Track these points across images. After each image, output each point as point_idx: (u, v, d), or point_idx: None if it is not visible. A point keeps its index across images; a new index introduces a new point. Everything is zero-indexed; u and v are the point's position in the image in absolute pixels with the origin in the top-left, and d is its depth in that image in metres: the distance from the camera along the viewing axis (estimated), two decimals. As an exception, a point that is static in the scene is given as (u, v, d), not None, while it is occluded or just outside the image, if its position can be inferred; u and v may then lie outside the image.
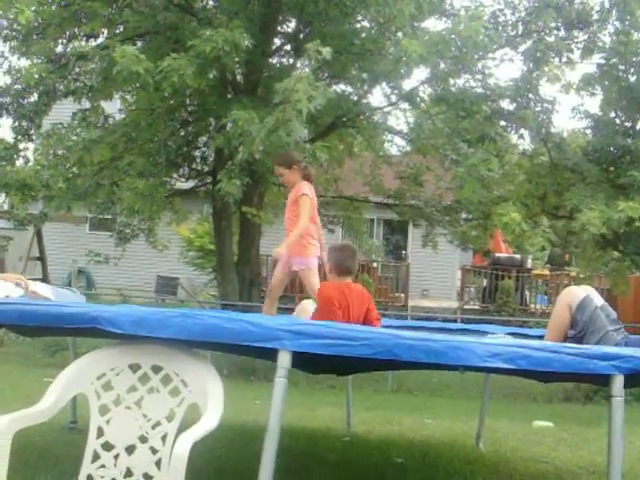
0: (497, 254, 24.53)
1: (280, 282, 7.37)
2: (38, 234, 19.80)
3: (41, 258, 20.58)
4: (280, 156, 7.63)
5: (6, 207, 19.65)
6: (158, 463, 3.82)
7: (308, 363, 5.03)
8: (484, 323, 10.59)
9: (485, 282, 24.17)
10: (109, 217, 16.63)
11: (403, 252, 27.33)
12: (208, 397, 3.84)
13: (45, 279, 20.36)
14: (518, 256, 24.49)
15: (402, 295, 24.01)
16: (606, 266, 17.14)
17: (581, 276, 18.30)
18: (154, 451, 3.91)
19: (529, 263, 27.24)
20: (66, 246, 25.03)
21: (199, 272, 23.77)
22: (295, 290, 18.19)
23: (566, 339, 5.47)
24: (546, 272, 25.53)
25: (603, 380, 4.04)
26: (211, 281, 21.07)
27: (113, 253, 16.93)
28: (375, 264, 24.46)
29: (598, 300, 5.76)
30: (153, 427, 3.96)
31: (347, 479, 5.97)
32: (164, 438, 3.89)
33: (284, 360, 3.79)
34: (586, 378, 5.22)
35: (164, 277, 25.30)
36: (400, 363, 4.52)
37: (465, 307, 23.79)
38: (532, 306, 23.42)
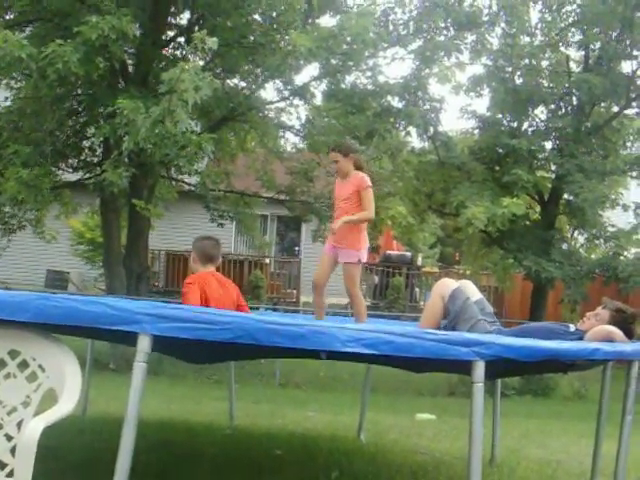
0: (388, 252, 24.84)
1: (324, 273, 6.46)
2: None
3: None
4: (338, 143, 7.26)
5: None
6: (13, 450, 3.71)
7: (174, 348, 4.98)
8: (374, 318, 10.70)
9: (376, 279, 24.41)
10: (-6, 208, 16.10)
11: (296, 248, 27.39)
12: (65, 382, 3.75)
13: None
14: (409, 254, 24.84)
15: (294, 291, 24.05)
16: (494, 264, 17.52)
17: (467, 273, 18.68)
18: (9, 438, 3.80)
19: (419, 261, 27.66)
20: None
21: (90, 266, 23.34)
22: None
23: (439, 329, 5.56)
24: (435, 270, 25.92)
25: (468, 368, 4.08)
26: (101, 275, 20.68)
27: (1, 244, 16.43)
28: (268, 260, 24.46)
29: (474, 294, 5.88)
30: (8, 413, 3.85)
31: (224, 472, 5.92)
32: (19, 424, 3.79)
33: (144, 344, 3.72)
34: (455, 367, 5.29)
35: (54, 271, 24.74)
36: (267, 349, 4.51)
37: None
38: (422, 303, 23.72)
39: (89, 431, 6.96)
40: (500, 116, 16.85)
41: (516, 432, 9.34)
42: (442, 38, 15.17)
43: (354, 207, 6.17)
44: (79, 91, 14.48)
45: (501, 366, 4.44)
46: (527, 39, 16.36)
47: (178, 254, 23.38)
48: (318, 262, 6.58)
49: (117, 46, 11.68)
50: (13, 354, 3.95)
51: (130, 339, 4.01)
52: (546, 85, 16.65)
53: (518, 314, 19.47)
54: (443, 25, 15.06)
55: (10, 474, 3.69)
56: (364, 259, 6.23)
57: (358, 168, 6.31)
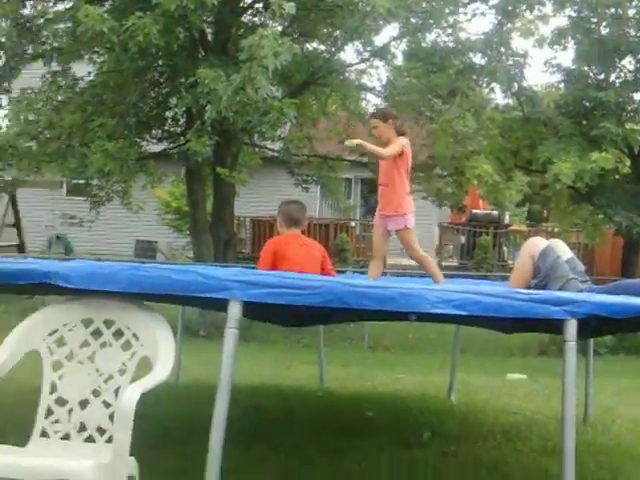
0: (475, 211, 24.56)
1: (378, 244, 6.35)
2: (13, 200, 19.58)
3: (17, 224, 20.36)
4: (377, 109, 7.18)
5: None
6: (111, 417, 3.81)
7: (263, 313, 5.03)
8: (461, 278, 10.65)
9: (463, 239, 24.20)
10: (83, 181, 16.47)
11: (381, 211, 27.26)
12: (159, 350, 3.83)
13: (22, 245, 20.23)
14: (495, 212, 24.50)
15: (381, 254, 23.96)
16: (583, 221, 17.20)
17: (556, 230, 18.39)
18: (107, 405, 3.90)
19: (507, 219, 27.30)
20: (43, 212, 24.80)
21: (177, 235, 23.73)
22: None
23: (529, 288, 5.47)
24: (524, 228, 25.53)
25: (559, 328, 4.01)
26: (189, 243, 21.01)
27: (90, 217, 16.81)
28: (353, 223, 24.45)
29: (565, 253, 5.75)
30: (106, 381, 3.95)
31: (317, 434, 5.98)
32: (117, 392, 3.88)
33: (234, 310, 3.75)
34: (546, 326, 5.22)
35: (142, 241, 25.23)
36: (356, 313, 4.51)
37: (444, 264, 23.83)
38: (510, 262, 23.42)
39: (183, 397, 7.10)
40: (586, 68, 16.43)
41: (609, 391, 9.20)
42: (524, -10, 14.85)
43: (395, 173, 5.95)
44: (160, 62, 14.65)
45: (594, 324, 4.35)
46: (612, -13, 15.88)
47: (263, 220, 23.54)
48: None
49: (196, 16, 11.76)
50: (108, 323, 4.05)
51: (219, 304, 4.06)
52: (633, 34, 16.13)
53: (609, 271, 19.10)
54: (525, -23, 14.72)
55: (109, 440, 3.80)
56: (410, 224, 6.08)
57: (400, 134, 6.21)
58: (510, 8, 14.47)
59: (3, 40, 13.61)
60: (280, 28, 14.08)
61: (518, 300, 3.92)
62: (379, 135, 6.16)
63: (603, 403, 7.94)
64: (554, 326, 4.11)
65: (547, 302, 3.93)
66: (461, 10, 15.02)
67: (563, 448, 3.80)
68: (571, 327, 3.90)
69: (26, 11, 14.43)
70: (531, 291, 4.39)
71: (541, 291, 4.66)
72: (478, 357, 13.21)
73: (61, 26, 14.31)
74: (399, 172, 5.87)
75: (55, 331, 4.07)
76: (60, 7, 14.54)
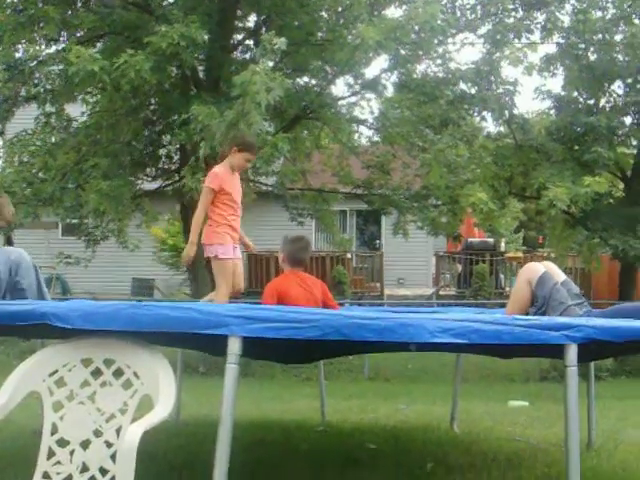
0: (470, 239, 24.57)
1: None
2: (8, 241, 19.58)
3: (13, 266, 20.32)
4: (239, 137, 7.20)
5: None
6: (113, 457, 3.78)
7: (262, 349, 5.01)
8: (459, 307, 10.63)
9: (460, 267, 24.19)
10: (77, 221, 16.47)
11: (377, 242, 27.32)
12: (160, 388, 3.81)
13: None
14: (491, 240, 24.54)
15: (378, 284, 23.99)
16: (579, 245, 17.22)
17: (552, 255, 18.40)
18: (109, 445, 3.87)
19: (502, 246, 27.31)
20: (39, 252, 24.74)
21: (174, 272, 23.66)
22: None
23: (527, 316, 5.46)
24: (520, 254, 25.53)
25: (560, 351, 4.00)
26: (186, 280, 20.98)
27: (86, 256, 16.79)
28: (349, 255, 24.42)
29: (559, 275, 5.75)
30: (107, 421, 3.92)
31: (319, 468, 5.92)
32: (118, 431, 3.86)
33: (234, 346, 3.75)
34: (546, 351, 5.21)
35: (139, 279, 25.15)
36: (355, 345, 4.51)
37: (441, 293, 23.83)
38: (507, 289, 23.41)
39: (184, 434, 7.06)
40: (576, 94, 16.54)
41: (612, 415, 9.16)
42: (511, 20, 14.99)
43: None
44: (152, 101, 14.74)
45: (594, 348, 4.35)
46: (599, 13, 16.01)
47: (260, 255, 23.50)
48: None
49: (187, 53, 11.86)
50: (108, 363, 4.04)
51: (218, 349, 4.04)
52: (621, 59, 16.25)
53: (606, 295, 19.10)
54: (512, 6, 14.89)
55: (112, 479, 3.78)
56: (212, 254, 6.28)
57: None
58: (498, 37, 14.62)
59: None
60: (271, 64, 14.17)
61: (517, 327, 3.92)
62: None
63: (606, 428, 7.90)
64: (554, 351, 4.11)
65: (546, 328, 3.93)
66: (450, 40, 15.16)
67: (568, 475, 3.79)
68: (572, 352, 3.90)
69: (18, 54, 14.50)
70: (530, 317, 4.38)
71: (540, 317, 4.65)
72: (479, 385, 13.18)
73: (54, 68, 14.39)
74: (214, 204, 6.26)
75: (55, 372, 4.05)
76: (52, 49, 14.65)
